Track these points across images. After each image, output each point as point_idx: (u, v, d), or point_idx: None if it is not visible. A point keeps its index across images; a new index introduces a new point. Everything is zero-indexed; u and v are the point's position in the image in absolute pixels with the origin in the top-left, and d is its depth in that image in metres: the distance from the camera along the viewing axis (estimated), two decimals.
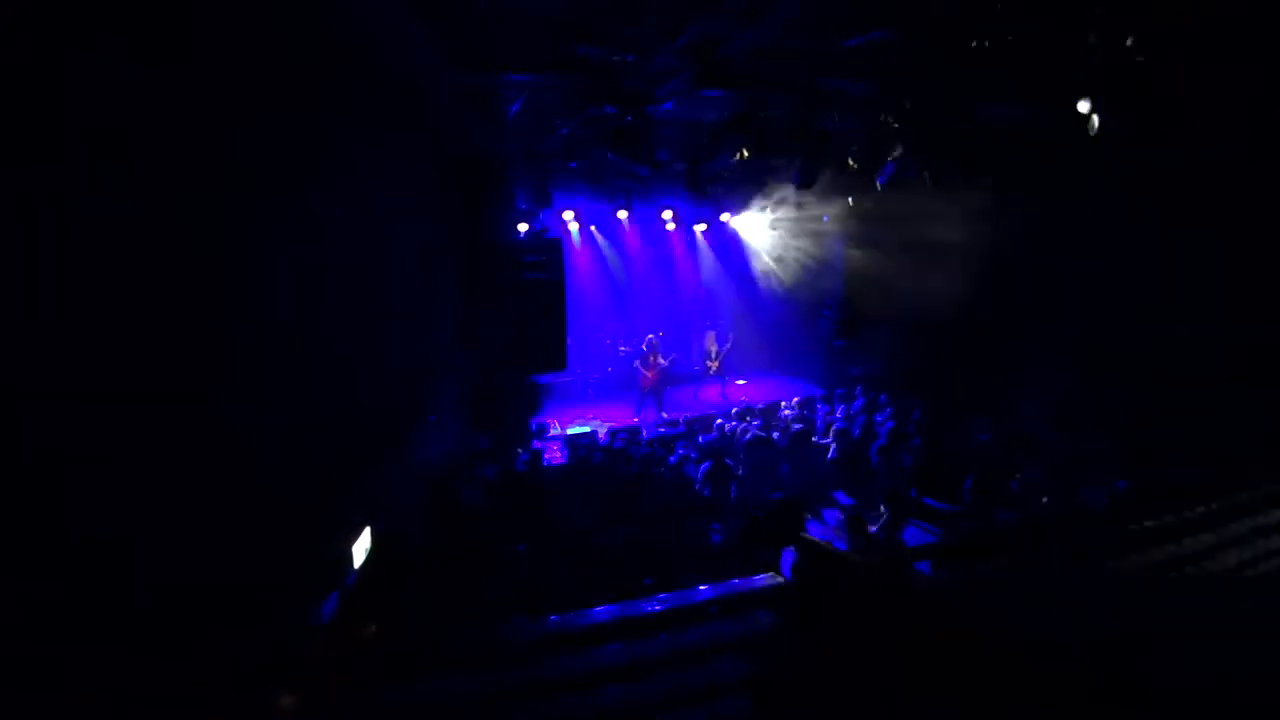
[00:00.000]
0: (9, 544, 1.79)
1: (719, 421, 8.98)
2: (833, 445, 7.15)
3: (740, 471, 6.82)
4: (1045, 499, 5.89)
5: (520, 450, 7.96)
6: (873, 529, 4.88)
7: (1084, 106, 5.08)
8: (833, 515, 6.50)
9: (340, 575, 3.87)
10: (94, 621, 2.06)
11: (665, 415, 10.78)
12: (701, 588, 3.23)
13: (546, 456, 8.20)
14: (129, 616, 2.21)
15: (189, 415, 2.59)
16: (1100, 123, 4.92)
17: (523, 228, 8.90)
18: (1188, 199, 6.75)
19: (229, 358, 2.92)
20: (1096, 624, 3.32)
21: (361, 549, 4.16)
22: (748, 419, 8.79)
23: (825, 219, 11.91)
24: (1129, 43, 4.37)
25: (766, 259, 13.45)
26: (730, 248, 13.87)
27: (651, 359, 11.00)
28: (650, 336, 11.30)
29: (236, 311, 2.98)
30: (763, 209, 12.25)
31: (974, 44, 4.91)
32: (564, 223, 11.68)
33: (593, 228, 12.44)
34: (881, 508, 5.27)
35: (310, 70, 3.67)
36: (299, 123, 3.61)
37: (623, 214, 11.41)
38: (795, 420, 8.19)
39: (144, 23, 2.25)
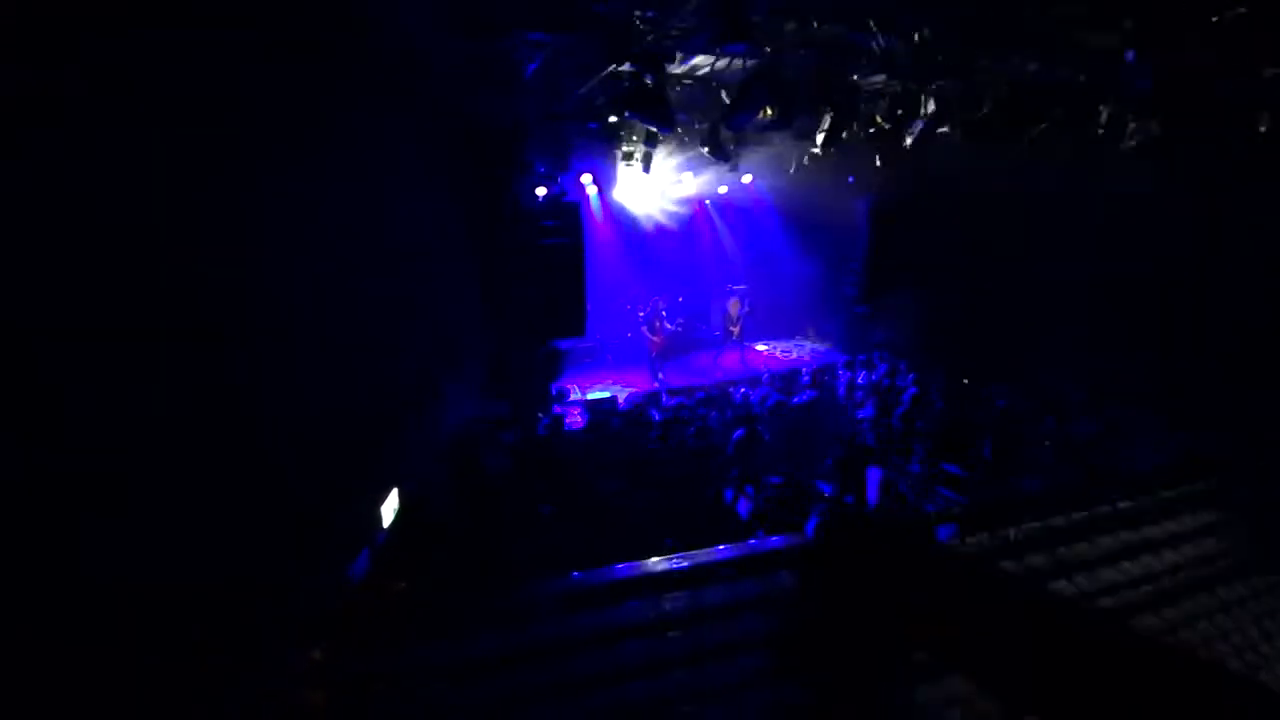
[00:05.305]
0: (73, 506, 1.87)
1: (741, 390, 8.95)
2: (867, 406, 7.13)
3: (766, 437, 6.82)
4: (1067, 466, 5.83)
5: (541, 415, 8.03)
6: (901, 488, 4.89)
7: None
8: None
9: (370, 534, 3.99)
10: (133, 578, 2.15)
11: (659, 380, 10.42)
12: (721, 547, 3.26)
13: (567, 421, 8.27)
14: (165, 576, 2.30)
15: (229, 386, 2.64)
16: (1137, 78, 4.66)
17: (541, 192, 8.80)
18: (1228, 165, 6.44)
19: (262, 331, 2.97)
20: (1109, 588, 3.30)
21: (390, 509, 4.27)
22: (772, 384, 8.76)
23: (850, 179, 11.59)
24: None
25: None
26: (753, 209, 13.61)
27: (656, 324, 10.71)
28: (655, 300, 11.01)
29: (262, 288, 3.02)
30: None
31: None
32: (582, 187, 11.49)
33: (611, 191, 12.21)
34: (911, 469, 5.26)
35: (331, 41, 3.63)
36: (316, 95, 3.57)
37: (643, 175, 11.18)
38: (811, 386, 8.14)
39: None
